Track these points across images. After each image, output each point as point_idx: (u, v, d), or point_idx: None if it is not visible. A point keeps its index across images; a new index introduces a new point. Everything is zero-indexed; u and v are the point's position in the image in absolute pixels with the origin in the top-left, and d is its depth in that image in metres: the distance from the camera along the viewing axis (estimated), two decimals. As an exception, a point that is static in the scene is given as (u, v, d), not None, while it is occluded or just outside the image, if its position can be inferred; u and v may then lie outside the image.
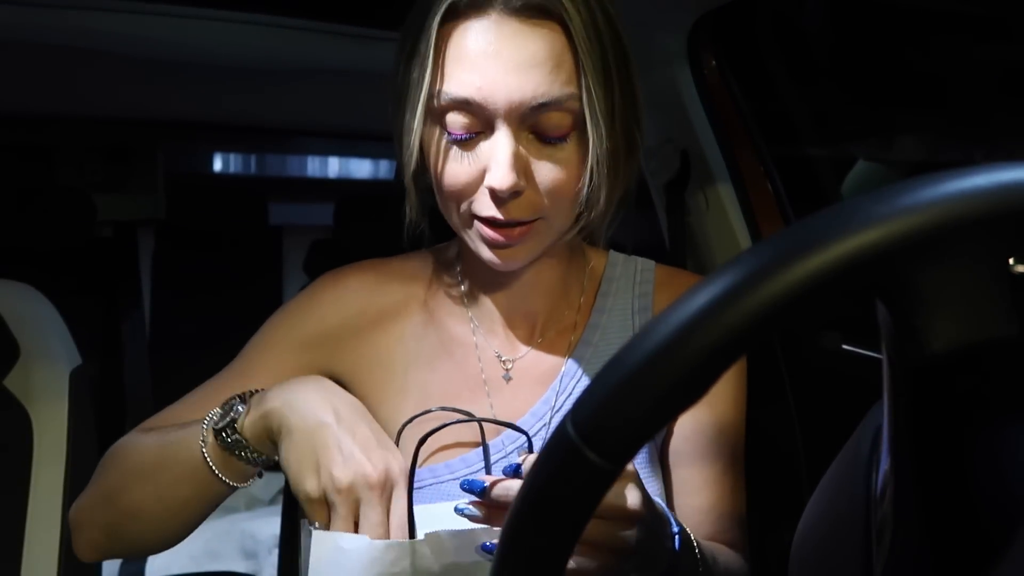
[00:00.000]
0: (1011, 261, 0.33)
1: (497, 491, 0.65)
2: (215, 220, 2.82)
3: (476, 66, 0.68)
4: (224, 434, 0.73)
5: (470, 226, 0.75)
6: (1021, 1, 1.02)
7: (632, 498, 0.63)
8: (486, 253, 0.75)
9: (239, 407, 0.74)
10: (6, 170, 2.73)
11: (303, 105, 2.08)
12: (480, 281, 0.85)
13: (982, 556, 0.35)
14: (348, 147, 4.32)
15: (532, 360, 0.85)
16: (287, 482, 0.73)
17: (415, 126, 0.72)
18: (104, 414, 2.08)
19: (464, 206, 0.74)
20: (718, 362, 0.33)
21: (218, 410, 0.75)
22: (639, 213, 1.43)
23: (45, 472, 0.97)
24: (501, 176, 0.69)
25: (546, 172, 0.71)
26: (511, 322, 0.85)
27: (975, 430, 0.36)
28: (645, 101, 1.35)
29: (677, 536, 0.70)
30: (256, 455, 0.73)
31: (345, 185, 4.43)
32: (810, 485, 1.18)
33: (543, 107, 0.69)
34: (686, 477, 0.85)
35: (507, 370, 0.84)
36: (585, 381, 0.83)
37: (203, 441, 0.74)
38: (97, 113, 2.43)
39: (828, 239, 0.32)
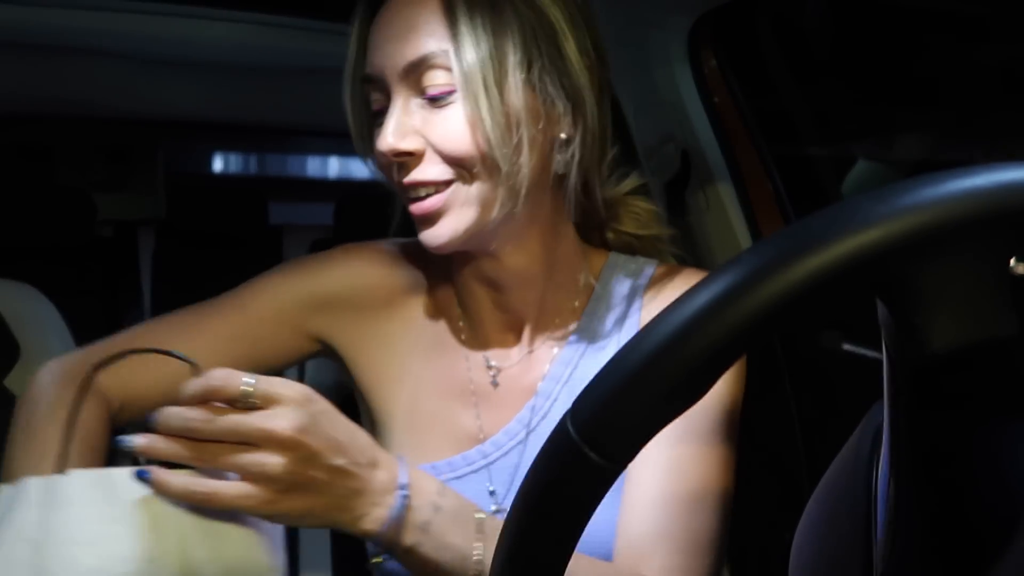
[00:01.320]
0: (1011, 261, 0.33)
1: (161, 418, 0.57)
2: (215, 220, 2.82)
3: (371, 43, 0.74)
4: None
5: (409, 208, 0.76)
6: (1021, 1, 1.02)
7: (283, 422, 0.56)
8: (418, 231, 0.75)
9: None
10: (6, 170, 2.73)
11: (303, 105, 2.08)
12: (469, 280, 0.82)
13: (982, 556, 0.35)
14: (348, 147, 4.30)
15: (522, 368, 0.82)
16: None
17: (360, 117, 0.78)
18: (104, 414, 2.07)
19: (396, 183, 0.75)
20: (719, 362, 0.33)
21: None
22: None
23: (45, 472, 0.97)
24: (381, 139, 0.71)
25: (437, 133, 0.72)
26: (499, 327, 0.83)
27: (975, 430, 0.36)
28: (644, 100, 1.36)
29: (402, 493, 0.62)
30: None
31: (345, 185, 4.43)
32: (810, 485, 1.18)
33: (416, 66, 0.71)
34: (632, 465, 0.76)
35: (494, 376, 0.82)
36: (569, 386, 0.80)
37: None
38: (97, 113, 2.42)
39: (828, 238, 0.32)
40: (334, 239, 2.92)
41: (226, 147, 4.30)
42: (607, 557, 0.76)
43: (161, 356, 0.78)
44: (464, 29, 0.70)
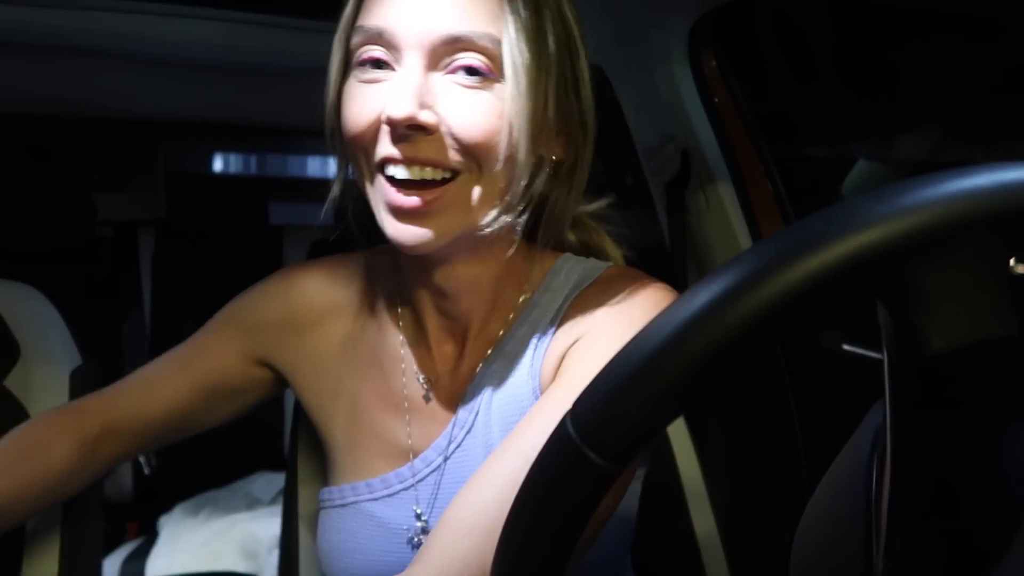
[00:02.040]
0: (1011, 261, 0.33)
1: None
2: (215, 220, 2.82)
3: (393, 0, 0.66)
4: None
5: (381, 194, 0.67)
6: (1021, 1, 1.02)
7: None
8: (390, 225, 0.67)
9: None
10: (6, 170, 2.72)
11: (303, 105, 2.08)
12: (415, 287, 0.78)
13: (982, 556, 0.35)
14: (348, 147, 4.30)
15: (452, 380, 0.79)
16: (287, 482, 0.73)
17: (334, 70, 0.69)
18: (104, 414, 2.07)
19: (369, 153, 0.67)
20: (719, 362, 0.33)
21: None
22: (639, 213, 1.43)
23: (45, 472, 0.97)
24: (397, 104, 0.63)
25: (457, 114, 0.65)
26: (439, 338, 0.79)
27: (975, 430, 0.36)
28: (644, 100, 1.35)
29: None
30: None
31: (346, 185, 4.41)
32: (810, 485, 1.18)
33: (456, 41, 0.64)
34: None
35: (426, 391, 0.79)
36: (491, 395, 0.76)
37: None
38: (97, 113, 2.42)
39: (828, 239, 0.32)
40: (334, 239, 2.92)
41: (226, 147, 4.30)
42: (606, 556, 0.76)
43: (145, 383, 0.84)
44: (517, 21, 0.65)
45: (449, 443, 0.76)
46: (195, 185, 3.44)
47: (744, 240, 1.26)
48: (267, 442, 2.56)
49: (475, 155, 0.65)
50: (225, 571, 2.02)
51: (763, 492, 0.90)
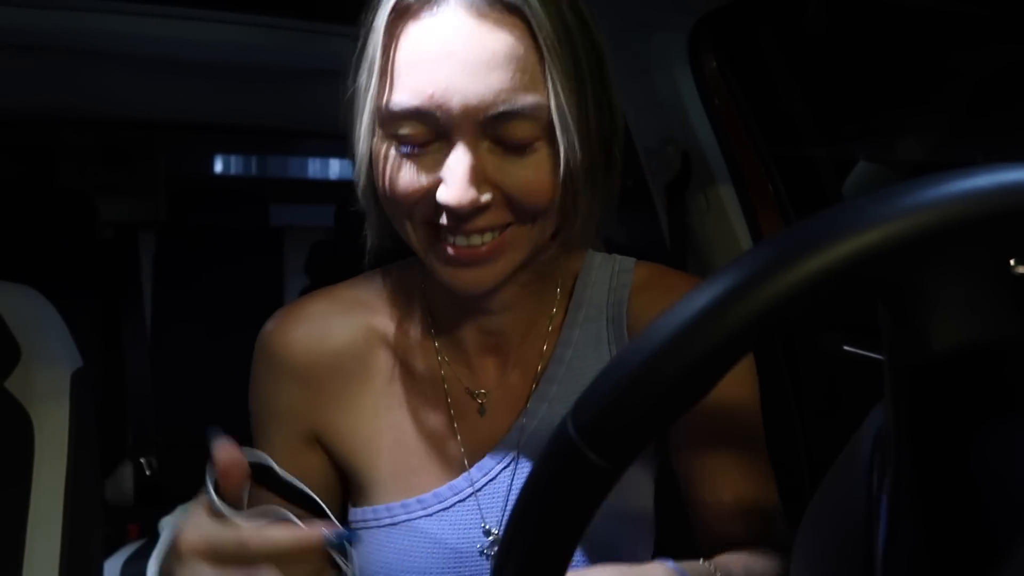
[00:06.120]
0: (1012, 262, 0.33)
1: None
2: (216, 222, 2.83)
3: (427, 70, 0.61)
4: None
5: (429, 245, 0.67)
6: (1021, 1, 1.02)
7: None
8: (447, 273, 0.67)
9: None
10: (6, 171, 2.73)
11: (304, 106, 2.08)
12: (446, 305, 0.78)
13: (983, 557, 0.35)
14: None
15: (506, 390, 0.79)
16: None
17: (362, 136, 0.67)
18: (105, 416, 2.07)
19: (420, 220, 0.66)
20: (719, 363, 0.33)
21: None
22: (639, 213, 1.43)
23: (46, 474, 0.97)
24: (457, 192, 0.61)
25: (513, 180, 0.64)
26: (481, 352, 0.79)
27: (975, 430, 0.36)
28: (645, 102, 1.36)
29: None
30: None
31: (346, 186, 4.43)
32: (812, 486, 1.17)
33: (505, 116, 0.61)
34: (706, 472, 0.78)
35: (480, 404, 0.79)
36: (557, 402, 0.78)
37: None
38: (98, 114, 2.43)
39: (829, 240, 0.32)
40: (335, 240, 2.93)
41: (227, 149, 4.32)
42: (609, 558, 0.76)
43: None
44: (562, 78, 0.62)
45: (514, 448, 0.77)
46: (196, 187, 3.44)
47: (744, 241, 1.26)
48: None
49: (534, 211, 0.65)
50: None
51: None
